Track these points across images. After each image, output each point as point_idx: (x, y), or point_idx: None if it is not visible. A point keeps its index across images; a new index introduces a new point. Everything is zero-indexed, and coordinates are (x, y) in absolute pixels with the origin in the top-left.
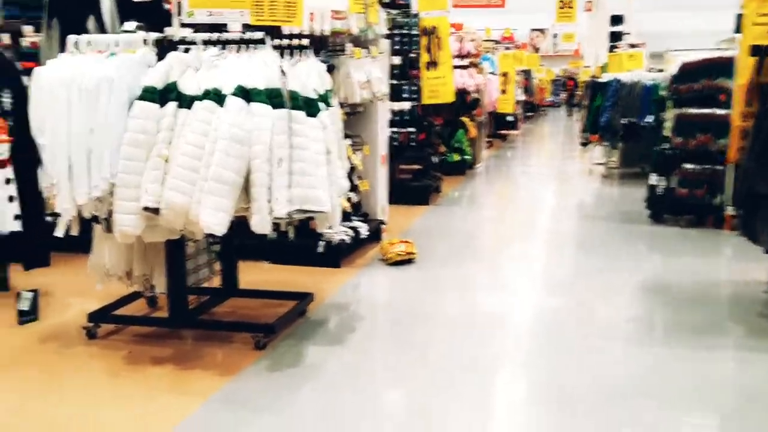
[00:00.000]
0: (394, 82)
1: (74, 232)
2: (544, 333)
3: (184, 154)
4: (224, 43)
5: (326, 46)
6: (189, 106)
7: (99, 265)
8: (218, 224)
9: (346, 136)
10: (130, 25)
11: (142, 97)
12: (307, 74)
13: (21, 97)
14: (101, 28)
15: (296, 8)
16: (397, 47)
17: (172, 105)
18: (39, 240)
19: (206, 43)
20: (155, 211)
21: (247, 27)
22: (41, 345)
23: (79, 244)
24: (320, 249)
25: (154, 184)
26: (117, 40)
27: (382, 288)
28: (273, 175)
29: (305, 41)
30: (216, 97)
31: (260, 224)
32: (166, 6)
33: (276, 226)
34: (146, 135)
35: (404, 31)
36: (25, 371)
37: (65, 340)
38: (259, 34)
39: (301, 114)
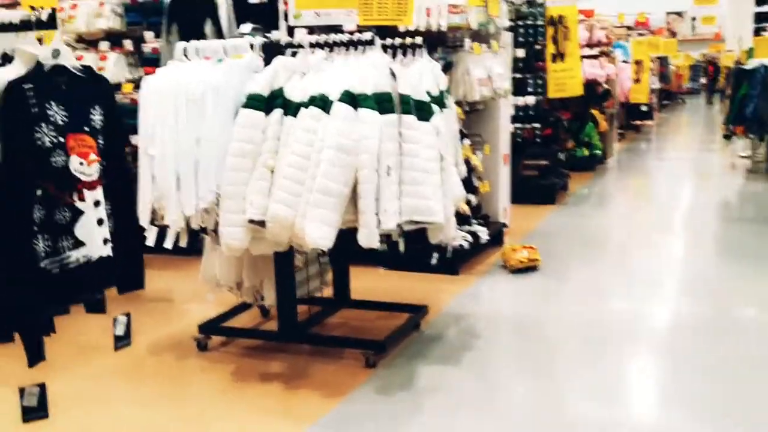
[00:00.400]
0: (518, 75)
1: (183, 243)
2: (689, 350)
3: (289, 165)
4: (331, 46)
5: (444, 43)
6: (295, 114)
7: (210, 276)
8: (323, 238)
9: (465, 136)
10: (246, 27)
11: (247, 105)
12: (419, 75)
13: (111, 114)
14: (218, 32)
15: (406, 6)
16: (521, 39)
17: (277, 112)
18: (132, 263)
19: (313, 45)
20: (261, 223)
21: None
22: (156, 356)
23: (196, 247)
24: (434, 261)
25: (259, 196)
26: (225, 45)
27: (503, 298)
28: (381, 186)
29: (418, 39)
30: (322, 103)
31: (368, 238)
32: (283, 7)
33: (386, 237)
34: (252, 144)
35: (529, 22)
36: (141, 382)
37: (180, 351)
38: (368, 34)
39: (411, 119)
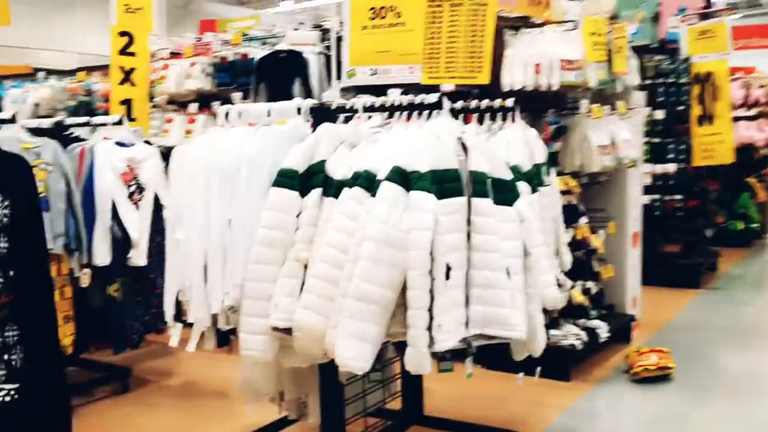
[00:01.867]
0: (656, 140)
1: (209, 346)
2: None
3: (322, 259)
4: (391, 110)
5: (563, 103)
6: (337, 195)
7: (248, 383)
8: (357, 359)
9: (582, 213)
10: (336, 87)
11: (277, 184)
12: (506, 145)
13: (23, 207)
14: (308, 92)
15: (481, 61)
16: (660, 99)
17: (315, 193)
18: (49, 410)
19: (368, 109)
20: (288, 331)
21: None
22: None
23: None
24: (537, 375)
25: (287, 298)
26: (271, 108)
27: (623, 418)
28: (436, 292)
29: (509, 101)
30: (367, 182)
31: (415, 361)
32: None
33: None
34: (282, 232)
35: (669, 80)
36: None
37: None
38: (433, 96)
39: (486, 203)
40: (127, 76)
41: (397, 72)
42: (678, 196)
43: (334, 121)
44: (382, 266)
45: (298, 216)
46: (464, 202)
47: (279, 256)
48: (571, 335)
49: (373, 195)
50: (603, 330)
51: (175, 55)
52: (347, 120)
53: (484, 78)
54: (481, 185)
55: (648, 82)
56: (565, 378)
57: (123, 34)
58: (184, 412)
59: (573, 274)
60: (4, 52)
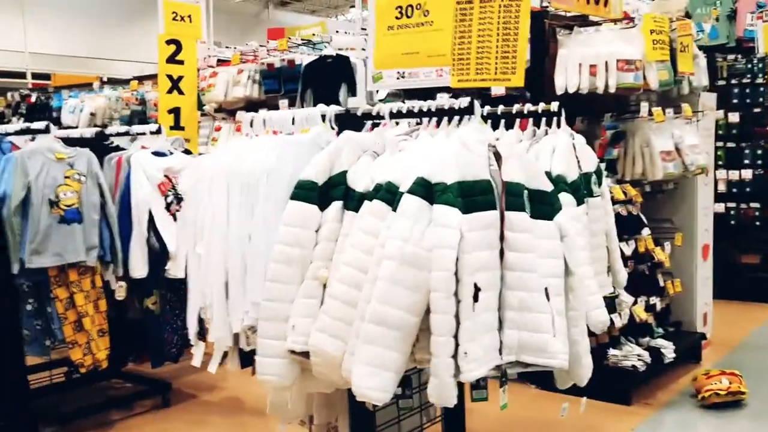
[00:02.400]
0: (731, 144)
1: (232, 367)
2: None
3: (340, 280)
4: (419, 116)
5: (625, 107)
6: (358, 209)
7: (279, 405)
8: (376, 389)
9: (647, 223)
10: (383, 92)
11: (296, 196)
12: (549, 153)
13: None
14: (353, 97)
15: (516, 61)
16: (735, 100)
17: (335, 206)
18: None
19: (396, 116)
20: (305, 355)
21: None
22: None
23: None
24: (582, 406)
25: (305, 319)
26: (296, 116)
27: None
28: (462, 316)
29: (554, 105)
30: (388, 195)
31: (438, 392)
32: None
33: (484, 380)
34: (300, 248)
35: (745, 81)
36: None
37: None
38: (464, 100)
39: (521, 217)
40: (175, 84)
41: (425, 75)
42: (756, 204)
43: (360, 129)
44: (402, 288)
45: (317, 231)
46: (496, 216)
47: (296, 274)
48: (633, 355)
49: (395, 209)
50: (668, 350)
51: (222, 62)
52: (375, 127)
53: (517, 80)
54: (516, 197)
55: (721, 83)
56: (626, 401)
57: (170, 42)
58: (223, 429)
59: (636, 289)
60: (78, 62)
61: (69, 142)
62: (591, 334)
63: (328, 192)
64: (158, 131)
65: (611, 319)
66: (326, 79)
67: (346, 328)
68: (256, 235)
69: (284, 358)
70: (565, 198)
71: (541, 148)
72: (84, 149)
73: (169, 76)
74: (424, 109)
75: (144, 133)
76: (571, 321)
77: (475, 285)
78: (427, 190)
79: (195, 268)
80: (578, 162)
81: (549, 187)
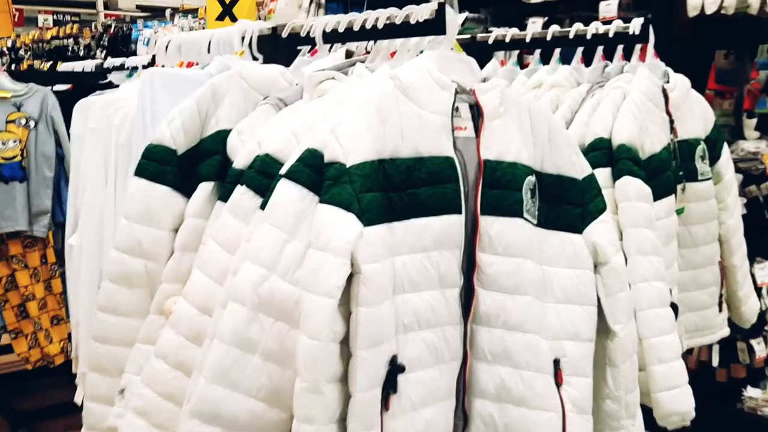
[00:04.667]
0: None
1: None
2: None
3: (174, 326)
4: (364, 36)
5: None
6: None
7: None
8: None
9: None
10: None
11: (140, 171)
12: (607, 107)
13: None
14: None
15: None
16: None
17: (204, 190)
18: None
19: (331, 38)
20: None
21: None
22: None
23: None
24: None
25: (139, 377)
26: (212, 37)
27: None
28: (358, 422)
29: (635, 23)
30: (262, 178)
31: None
32: None
33: None
34: (146, 260)
35: None
36: None
37: None
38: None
39: (512, 225)
40: (228, 9)
41: None
42: None
43: (293, 57)
44: (258, 355)
45: (171, 230)
46: (456, 225)
47: (141, 301)
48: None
49: (264, 206)
50: None
51: None
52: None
53: None
54: (504, 190)
55: None
56: None
57: None
58: None
59: None
60: None
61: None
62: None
63: (195, 166)
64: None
65: (750, 346)
66: (395, 3)
67: (175, 413)
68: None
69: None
70: (628, 186)
71: (603, 97)
72: (41, 87)
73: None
74: (368, 26)
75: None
76: (608, 419)
77: (394, 360)
78: (316, 174)
79: (73, 268)
80: (670, 122)
81: (581, 171)
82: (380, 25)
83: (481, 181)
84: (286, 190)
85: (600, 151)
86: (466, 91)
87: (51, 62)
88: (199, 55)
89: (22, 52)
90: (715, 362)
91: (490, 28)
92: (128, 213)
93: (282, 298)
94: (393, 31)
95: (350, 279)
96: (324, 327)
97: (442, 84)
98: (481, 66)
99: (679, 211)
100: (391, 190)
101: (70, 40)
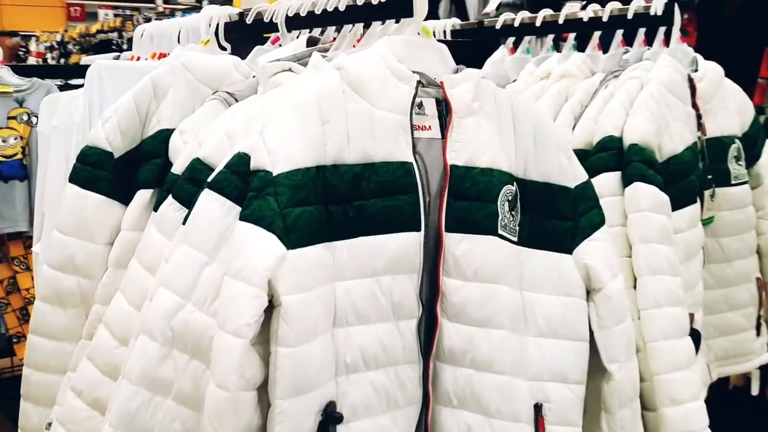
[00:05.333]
0: None
1: None
2: None
3: (92, 358)
4: (325, 22)
5: None
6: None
7: None
8: None
9: None
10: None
11: (74, 177)
12: (619, 101)
13: None
14: (459, 10)
15: None
16: None
17: (142, 198)
18: None
19: (294, 24)
20: None
21: None
22: None
23: None
24: None
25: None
26: (182, 26)
27: None
28: None
29: (656, 4)
30: (190, 187)
31: None
32: None
33: None
34: (80, 276)
35: None
36: None
37: None
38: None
39: (485, 244)
40: None
41: None
42: None
43: (249, 48)
44: (170, 399)
45: (105, 244)
46: (411, 243)
47: (73, 322)
48: None
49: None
50: None
51: None
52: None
53: None
54: (475, 202)
55: None
56: None
57: None
58: None
59: None
60: None
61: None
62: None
63: (134, 170)
64: None
65: None
66: None
67: None
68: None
69: None
70: (639, 194)
71: (617, 89)
72: (44, 81)
73: None
74: (330, 8)
75: None
76: None
77: (329, 409)
78: (241, 182)
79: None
80: (697, 117)
81: (574, 179)
82: (342, 7)
83: (447, 191)
84: (207, 204)
85: (609, 152)
86: (434, 83)
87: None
88: (171, 45)
89: (70, 46)
90: (755, 390)
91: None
92: (60, 224)
93: (198, 332)
94: (356, 13)
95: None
96: (232, 373)
97: (401, 75)
98: (489, 54)
99: (707, 221)
100: (333, 202)
101: (114, 34)
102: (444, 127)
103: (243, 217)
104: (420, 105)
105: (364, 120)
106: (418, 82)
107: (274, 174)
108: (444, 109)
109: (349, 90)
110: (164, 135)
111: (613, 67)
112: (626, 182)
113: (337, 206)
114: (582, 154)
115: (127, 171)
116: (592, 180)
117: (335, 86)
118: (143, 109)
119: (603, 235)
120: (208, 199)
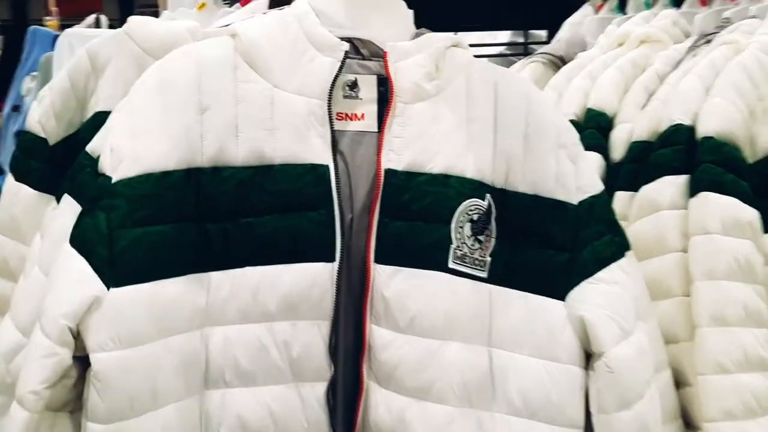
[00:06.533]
0: None
1: None
2: None
3: None
4: None
5: None
6: None
7: None
8: None
9: None
10: None
11: (12, 165)
12: (693, 80)
13: None
14: None
15: None
16: None
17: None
18: None
19: None
20: None
21: None
22: None
23: None
24: None
25: None
26: None
27: None
28: None
29: None
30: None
31: None
32: None
33: None
34: (12, 281)
35: None
36: None
37: None
38: None
39: (449, 285)
40: None
41: None
42: None
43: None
44: None
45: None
46: (319, 278)
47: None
48: None
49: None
50: None
51: None
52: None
53: None
54: (418, 223)
55: None
56: None
57: None
58: None
59: None
60: None
61: None
62: None
63: (69, 160)
64: None
65: None
66: None
67: None
68: None
69: None
70: (708, 208)
71: (703, 58)
72: None
73: None
74: None
75: None
76: None
77: None
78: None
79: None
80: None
81: (578, 190)
82: None
83: (378, 205)
84: (62, 213)
85: (674, 148)
86: (378, 54)
87: None
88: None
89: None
90: None
91: None
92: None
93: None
94: None
95: None
96: None
97: (322, 44)
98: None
99: None
100: (210, 219)
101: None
102: (385, 113)
103: (70, 239)
104: (352, 85)
105: (261, 106)
106: (346, 53)
107: (113, 180)
108: (387, 91)
109: (243, 64)
110: (101, 119)
111: (709, 27)
112: (693, 191)
113: (215, 224)
114: (646, 148)
115: (66, 161)
116: (652, 184)
117: (224, 59)
118: (80, 87)
119: (613, 275)
120: (68, 206)
